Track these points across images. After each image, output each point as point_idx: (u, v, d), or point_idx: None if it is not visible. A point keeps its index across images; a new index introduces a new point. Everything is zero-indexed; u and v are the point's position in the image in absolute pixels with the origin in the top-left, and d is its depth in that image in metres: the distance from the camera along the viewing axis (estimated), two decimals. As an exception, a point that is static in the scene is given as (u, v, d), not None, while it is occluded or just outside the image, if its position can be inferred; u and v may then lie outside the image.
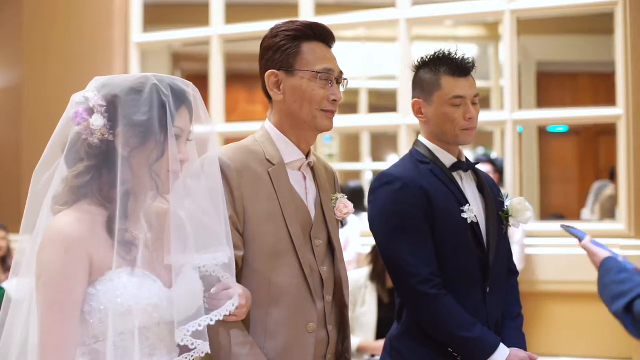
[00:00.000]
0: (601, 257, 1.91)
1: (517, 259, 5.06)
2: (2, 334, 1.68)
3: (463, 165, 2.30)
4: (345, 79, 1.99)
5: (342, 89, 1.99)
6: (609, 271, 1.86)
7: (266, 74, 1.95)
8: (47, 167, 1.67)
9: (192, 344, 1.61)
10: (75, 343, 1.56)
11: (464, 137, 2.26)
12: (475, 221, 2.23)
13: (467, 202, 2.24)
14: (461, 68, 2.26)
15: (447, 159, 2.29)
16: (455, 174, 2.28)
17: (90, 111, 1.61)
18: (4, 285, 3.78)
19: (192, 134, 1.69)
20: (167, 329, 1.64)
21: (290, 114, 1.95)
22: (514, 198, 2.37)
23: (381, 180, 2.25)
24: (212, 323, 1.64)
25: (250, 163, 1.90)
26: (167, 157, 1.62)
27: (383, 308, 3.83)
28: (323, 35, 1.97)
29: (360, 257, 4.89)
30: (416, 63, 2.34)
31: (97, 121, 1.60)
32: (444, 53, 2.29)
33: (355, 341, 3.81)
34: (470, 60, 2.29)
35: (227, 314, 1.68)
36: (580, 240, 2.03)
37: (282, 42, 1.93)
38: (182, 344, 1.61)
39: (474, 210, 2.23)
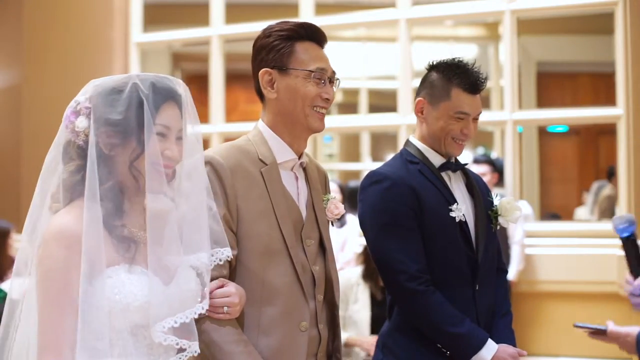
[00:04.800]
0: (634, 333, 1.82)
1: (517, 259, 5.07)
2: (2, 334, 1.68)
3: (451, 165, 2.33)
4: (338, 79, 2.01)
5: (335, 89, 2.01)
6: None
7: (260, 73, 1.96)
8: (52, 172, 1.68)
9: (177, 344, 1.60)
10: (74, 338, 1.55)
11: (453, 148, 2.30)
12: (464, 220, 2.26)
13: (455, 201, 2.27)
14: (474, 86, 2.28)
15: (437, 159, 2.31)
16: (443, 174, 2.31)
17: (78, 114, 1.64)
18: (4, 285, 3.78)
19: (183, 133, 1.68)
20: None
21: (284, 113, 1.96)
22: (503, 198, 2.40)
23: (371, 179, 2.28)
24: (177, 325, 1.60)
25: (243, 162, 1.92)
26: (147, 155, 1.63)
27: (376, 305, 3.83)
28: (315, 35, 1.99)
29: (359, 257, 4.89)
30: (432, 63, 2.35)
31: (82, 123, 1.63)
32: (461, 63, 2.30)
33: (344, 336, 3.81)
34: (484, 78, 2.31)
35: (195, 316, 1.65)
36: (602, 332, 1.97)
37: (276, 41, 1.95)
38: (165, 343, 1.59)
39: (462, 209, 2.26)
